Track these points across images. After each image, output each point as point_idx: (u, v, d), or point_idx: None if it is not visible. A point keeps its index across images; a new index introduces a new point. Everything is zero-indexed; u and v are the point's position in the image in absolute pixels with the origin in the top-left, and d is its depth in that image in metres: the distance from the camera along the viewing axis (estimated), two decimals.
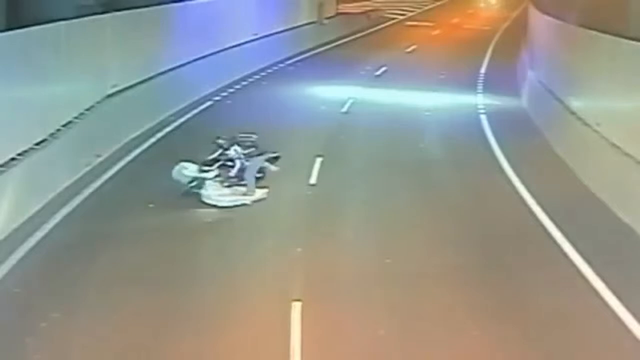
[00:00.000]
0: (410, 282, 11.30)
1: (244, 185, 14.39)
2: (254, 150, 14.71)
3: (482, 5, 61.14)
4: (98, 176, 15.51)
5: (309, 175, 16.08)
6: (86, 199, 14.33)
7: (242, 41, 28.59)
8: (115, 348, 9.24)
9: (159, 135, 19.11)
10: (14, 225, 12.40)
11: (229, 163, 14.55)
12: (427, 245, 12.76)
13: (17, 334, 9.40)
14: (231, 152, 14.58)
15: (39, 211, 13.22)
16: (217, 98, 23.82)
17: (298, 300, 10.29)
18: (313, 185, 15.71)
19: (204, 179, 14.22)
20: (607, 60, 16.49)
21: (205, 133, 16.91)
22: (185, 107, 22.04)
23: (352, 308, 10.42)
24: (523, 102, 24.88)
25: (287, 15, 35.14)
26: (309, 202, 14.85)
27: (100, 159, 16.37)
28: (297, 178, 15.88)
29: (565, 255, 12.29)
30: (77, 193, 14.43)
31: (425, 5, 57.77)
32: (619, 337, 9.78)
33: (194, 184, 14.21)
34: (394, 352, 9.35)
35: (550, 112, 20.59)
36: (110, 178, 15.63)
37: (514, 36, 37.16)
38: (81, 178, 15.18)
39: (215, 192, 14.16)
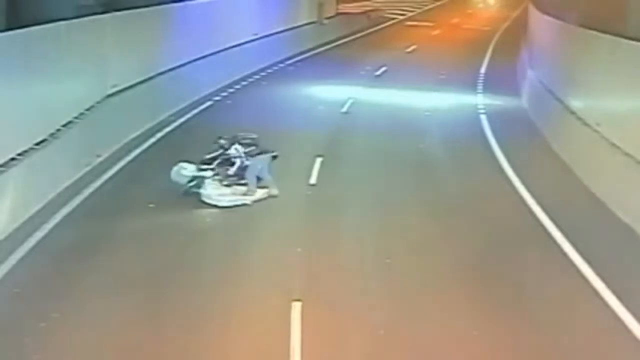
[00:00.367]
0: (411, 281, 11.32)
1: (244, 184, 14.40)
2: (255, 148, 14.70)
3: (481, 5, 61.13)
4: (98, 176, 15.50)
5: (309, 175, 16.07)
6: (86, 198, 14.33)
7: (242, 41, 28.57)
8: (115, 348, 9.25)
9: (159, 135, 19.10)
10: (14, 225, 12.41)
11: (228, 161, 14.56)
12: (427, 245, 12.75)
13: (17, 334, 9.40)
14: (232, 151, 14.58)
15: (39, 211, 13.23)
16: (217, 98, 23.81)
17: (298, 300, 10.29)
18: (313, 185, 15.70)
19: (203, 177, 14.23)
20: (607, 61, 16.50)
21: (206, 133, 16.93)
22: (185, 107, 22.03)
23: (352, 308, 10.43)
24: (523, 102, 24.86)
25: (287, 15, 35.12)
26: (309, 202, 14.86)
27: (100, 159, 16.37)
28: (297, 178, 15.89)
29: (565, 255, 12.30)
30: (77, 193, 14.44)
31: (425, 5, 57.75)
32: (619, 337, 9.78)
33: (193, 183, 14.21)
34: (394, 352, 9.35)
35: (550, 112, 20.59)
36: (111, 178, 15.63)
37: (514, 36, 37.15)
38: (81, 178, 15.18)
39: (215, 192, 14.17)
